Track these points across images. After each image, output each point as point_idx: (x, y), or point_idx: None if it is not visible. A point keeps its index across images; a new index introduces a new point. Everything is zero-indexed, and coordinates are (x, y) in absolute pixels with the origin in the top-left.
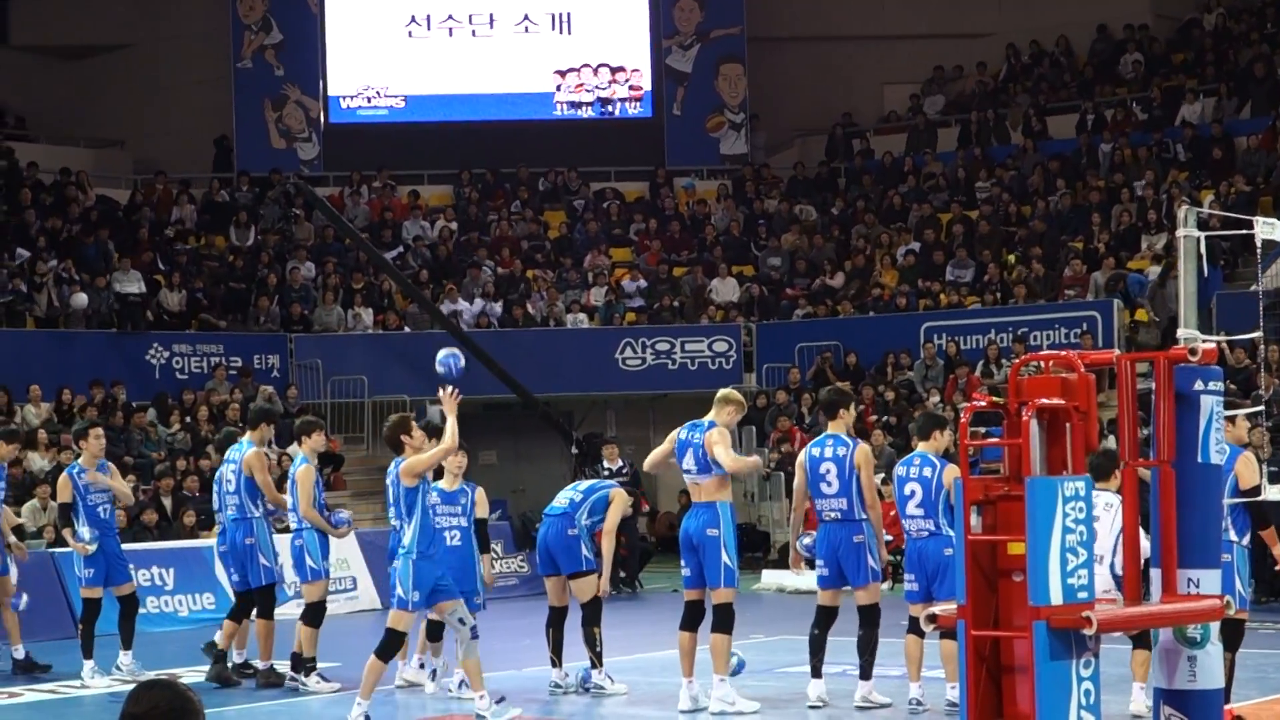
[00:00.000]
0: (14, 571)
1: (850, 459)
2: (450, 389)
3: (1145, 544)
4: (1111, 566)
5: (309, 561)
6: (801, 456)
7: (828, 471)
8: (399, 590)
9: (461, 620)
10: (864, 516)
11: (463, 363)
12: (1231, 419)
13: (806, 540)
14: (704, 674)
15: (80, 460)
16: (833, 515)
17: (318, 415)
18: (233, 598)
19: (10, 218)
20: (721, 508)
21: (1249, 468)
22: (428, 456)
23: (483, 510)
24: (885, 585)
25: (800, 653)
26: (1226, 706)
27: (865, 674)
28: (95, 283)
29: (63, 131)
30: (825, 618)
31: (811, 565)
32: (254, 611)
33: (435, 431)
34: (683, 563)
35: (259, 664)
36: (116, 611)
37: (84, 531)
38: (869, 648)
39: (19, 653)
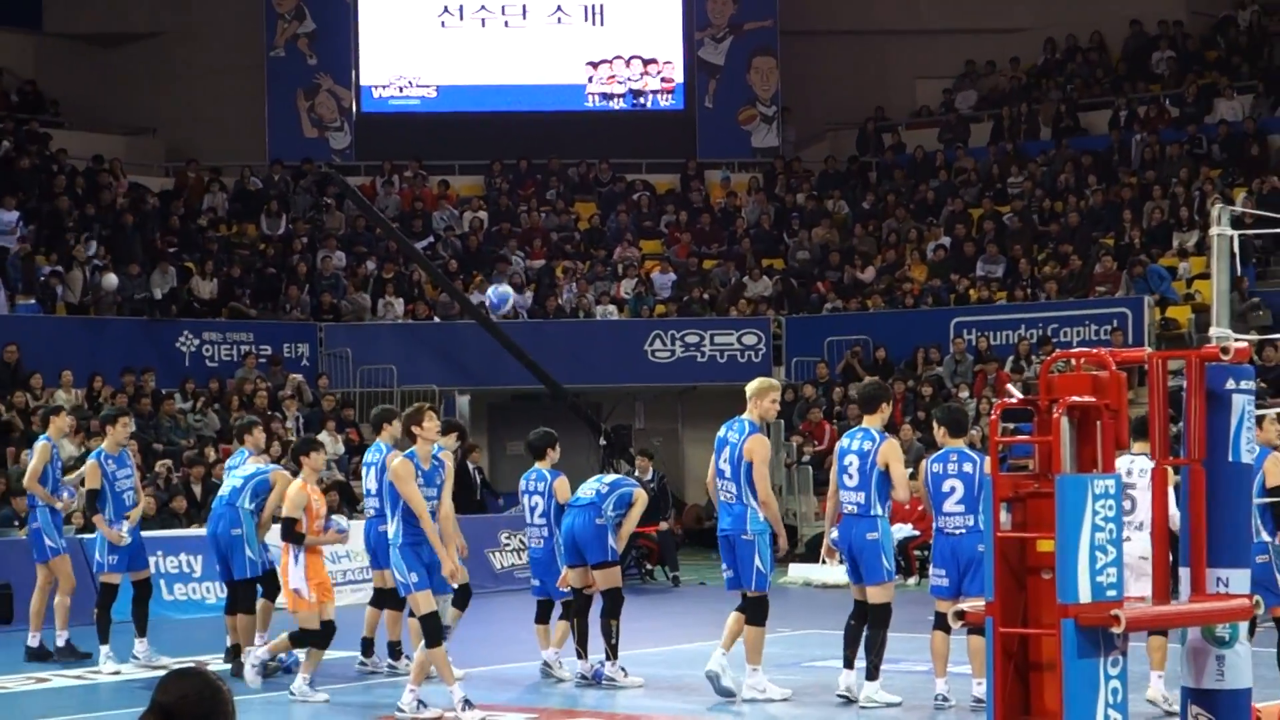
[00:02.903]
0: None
1: (874, 454)
2: None
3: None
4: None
5: None
6: (836, 449)
7: (850, 464)
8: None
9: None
10: (880, 513)
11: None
12: (1260, 421)
13: (835, 536)
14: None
15: (104, 445)
16: (850, 509)
17: (347, 404)
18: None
19: (43, 204)
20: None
21: (1277, 466)
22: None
23: (563, 497)
24: (913, 580)
25: (828, 647)
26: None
27: (871, 674)
28: (129, 270)
29: (95, 118)
30: (861, 611)
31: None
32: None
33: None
34: (724, 565)
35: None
36: (130, 597)
37: (121, 524)
38: (877, 647)
39: (39, 640)
